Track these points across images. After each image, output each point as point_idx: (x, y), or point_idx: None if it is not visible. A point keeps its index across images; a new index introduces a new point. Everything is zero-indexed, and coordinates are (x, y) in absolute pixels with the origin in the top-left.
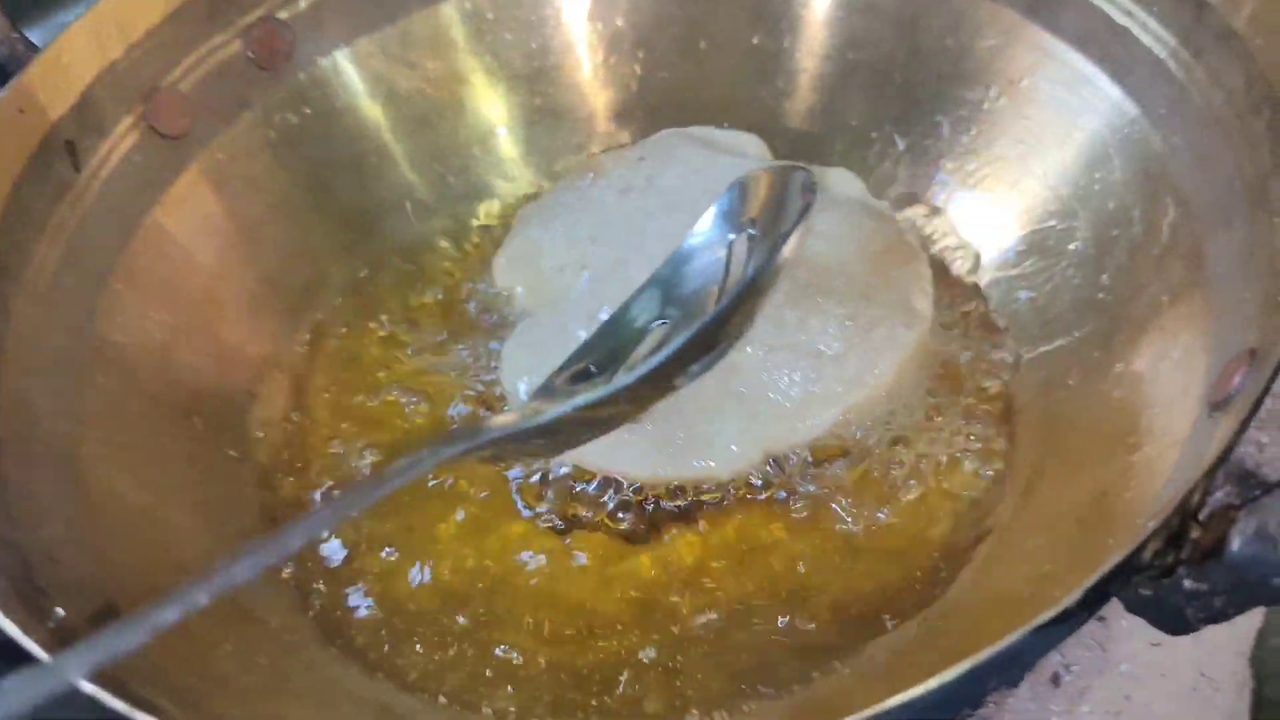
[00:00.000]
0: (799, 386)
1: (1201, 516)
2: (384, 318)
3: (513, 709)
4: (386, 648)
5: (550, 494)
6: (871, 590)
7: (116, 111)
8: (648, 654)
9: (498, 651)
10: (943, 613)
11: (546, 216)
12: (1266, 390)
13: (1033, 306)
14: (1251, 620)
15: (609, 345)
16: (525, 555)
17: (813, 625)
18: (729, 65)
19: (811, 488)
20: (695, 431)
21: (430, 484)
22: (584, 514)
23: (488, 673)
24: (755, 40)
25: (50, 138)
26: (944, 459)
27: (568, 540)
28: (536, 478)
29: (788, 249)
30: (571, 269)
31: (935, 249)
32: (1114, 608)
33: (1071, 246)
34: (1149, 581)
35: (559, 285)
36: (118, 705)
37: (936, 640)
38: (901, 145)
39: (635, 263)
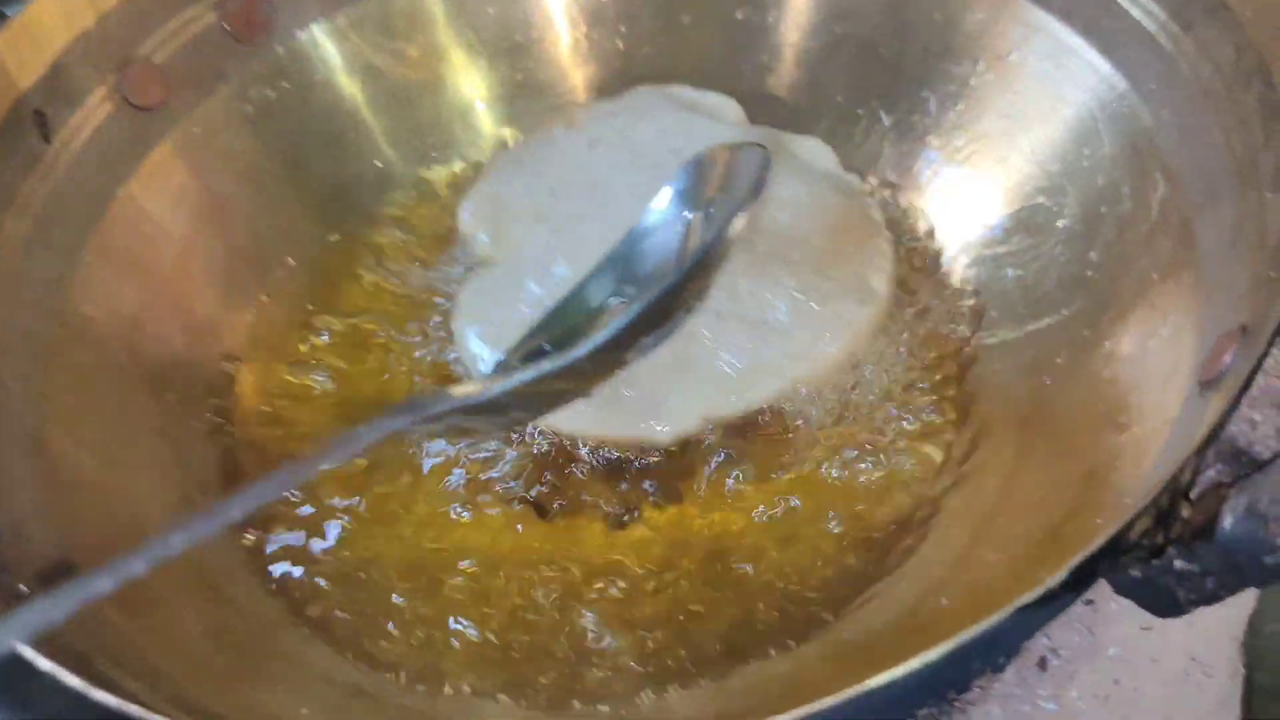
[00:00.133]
0: (746, 355)
1: (1192, 495)
2: (357, 291)
3: (468, 687)
4: (355, 628)
5: (507, 468)
6: (807, 568)
7: (88, 82)
8: (599, 630)
9: (456, 627)
10: (927, 596)
11: (514, 165)
12: (1258, 367)
13: (1020, 285)
14: (1244, 605)
15: (565, 324)
16: (478, 533)
17: (762, 604)
18: (712, 39)
19: (747, 464)
20: (643, 392)
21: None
22: (539, 488)
23: (452, 648)
24: (739, 14)
25: (19, 107)
26: (891, 436)
27: (521, 515)
28: (490, 453)
29: (735, 228)
30: (530, 220)
31: (906, 224)
32: (1103, 592)
33: (1060, 224)
34: (1138, 562)
35: (517, 235)
36: (73, 682)
37: (917, 623)
38: (887, 121)
39: (593, 220)
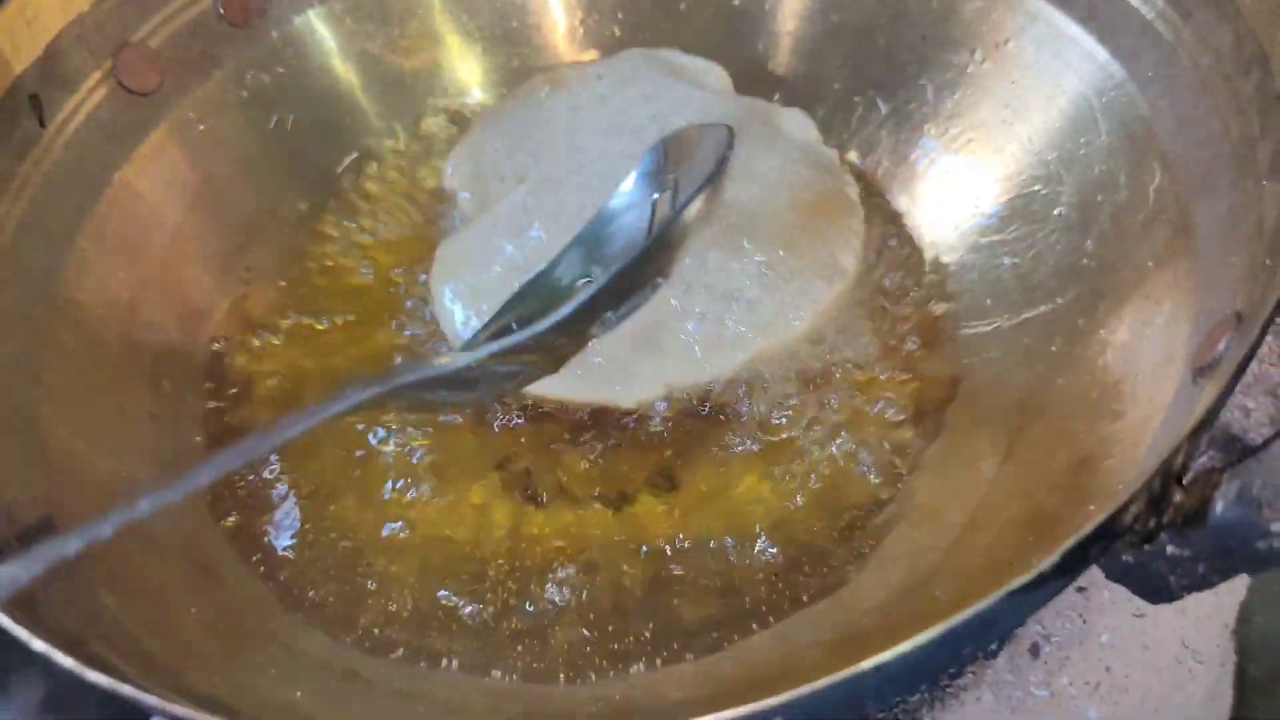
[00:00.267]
0: (710, 326)
1: (1185, 481)
2: (353, 280)
3: (458, 665)
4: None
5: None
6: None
7: (84, 66)
8: (576, 605)
9: (446, 605)
10: (920, 581)
11: (496, 125)
12: (1251, 355)
13: (1016, 272)
14: (1235, 593)
15: (534, 304)
16: (464, 513)
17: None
18: (710, 27)
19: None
20: (611, 357)
21: (373, 441)
22: (518, 466)
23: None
24: (736, 1)
25: (14, 91)
26: (854, 414)
27: (507, 495)
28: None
29: (695, 207)
30: (509, 180)
31: (887, 203)
32: (1095, 579)
33: (1056, 212)
34: (1130, 548)
35: (495, 194)
36: (67, 662)
37: (910, 607)
38: (885, 109)
39: (569, 183)
